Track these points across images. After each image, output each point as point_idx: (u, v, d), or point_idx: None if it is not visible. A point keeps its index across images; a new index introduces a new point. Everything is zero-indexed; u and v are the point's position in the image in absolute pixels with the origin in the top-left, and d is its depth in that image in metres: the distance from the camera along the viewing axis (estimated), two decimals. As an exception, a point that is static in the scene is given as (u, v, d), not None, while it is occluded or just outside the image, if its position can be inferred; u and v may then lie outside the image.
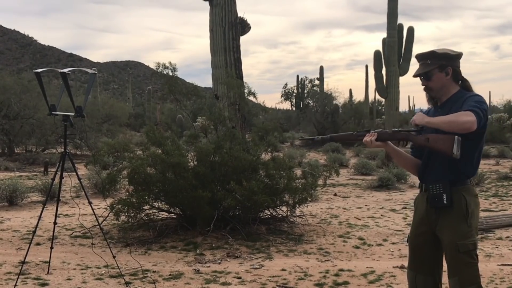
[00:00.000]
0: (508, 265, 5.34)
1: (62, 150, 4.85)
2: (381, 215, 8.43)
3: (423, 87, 3.06)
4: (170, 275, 5.05)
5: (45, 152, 19.49)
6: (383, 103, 28.61)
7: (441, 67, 2.98)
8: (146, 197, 6.62)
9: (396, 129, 3.02)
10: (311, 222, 7.60)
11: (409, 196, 10.38)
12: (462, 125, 2.74)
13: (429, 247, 3.03)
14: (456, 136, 2.78)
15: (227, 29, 8.39)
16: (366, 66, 40.43)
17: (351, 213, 8.66)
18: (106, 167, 9.10)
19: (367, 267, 5.31)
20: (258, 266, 5.38)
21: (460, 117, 2.76)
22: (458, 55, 3.03)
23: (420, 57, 3.07)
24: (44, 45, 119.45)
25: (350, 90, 54.43)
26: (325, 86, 33.97)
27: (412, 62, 18.23)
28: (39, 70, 4.83)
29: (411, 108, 52.06)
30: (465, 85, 3.03)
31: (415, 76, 3.08)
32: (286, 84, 35.74)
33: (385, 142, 3.11)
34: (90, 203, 4.91)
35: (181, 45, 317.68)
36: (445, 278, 3.03)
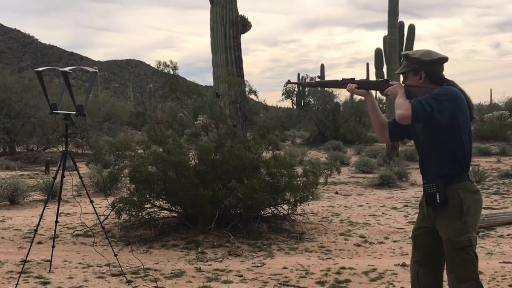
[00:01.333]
0: (510, 262, 5.34)
1: (63, 149, 4.86)
2: (383, 213, 8.43)
3: None
4: (171, 273, 5.05)
5: (46, 151, 19.53)
6: (384, 101, 28.58)
7: (415, 70, 3.01)
8: (147, 196, 6.63)
9: (381, 79, 3.16)
10: (312, 220, 7.61)
11: (410, 194, 10.39)
12: (397, 116, 2.85)
13: (429, 242, 3.07)
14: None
15: (228, 27, 8.38)
16: (367, 64, 40.55)
17: (353, 211, 8.66)
18: (107, 165, 9.11)
19: (368, 265, 5.32)
20: (259, 264, 5.38)
21: (397, 109, 2.85)
22: (434, 61, 2.97)
23: (402, 56, 3.14)
24: (45, 44, 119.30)
25: (351, 88, 54.24)
26: (326, 84, 33.84)
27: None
28: (40, 69, 4.84)
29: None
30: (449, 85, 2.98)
31: (397, 73, 3.14)
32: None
33: (367, 92, 3.23)
34: (91, 201, 4.92)
35: (182, 44, 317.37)
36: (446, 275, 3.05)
